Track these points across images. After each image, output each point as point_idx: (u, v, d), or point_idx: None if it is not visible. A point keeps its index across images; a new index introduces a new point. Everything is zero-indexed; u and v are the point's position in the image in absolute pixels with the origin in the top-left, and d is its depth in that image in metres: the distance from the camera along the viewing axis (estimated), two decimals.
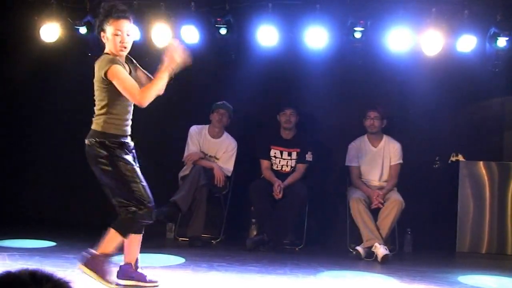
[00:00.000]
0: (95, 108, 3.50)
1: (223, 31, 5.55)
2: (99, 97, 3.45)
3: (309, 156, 5.58)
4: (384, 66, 5.79)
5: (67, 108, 6.23)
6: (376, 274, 4.52)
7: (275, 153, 5.66)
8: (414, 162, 5.75)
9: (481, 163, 5.74)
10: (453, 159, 5.76)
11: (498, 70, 5.62)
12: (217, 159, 5.66)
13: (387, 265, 4.89)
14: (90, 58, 5.81)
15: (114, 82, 3.32)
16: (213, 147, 5.68)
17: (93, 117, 3.49)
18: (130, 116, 3.52)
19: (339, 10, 5.52)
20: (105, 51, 3.45)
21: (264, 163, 5.64)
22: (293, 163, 5.63)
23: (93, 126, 3.47)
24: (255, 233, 5.54)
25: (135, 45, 5.54)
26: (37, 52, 5.79)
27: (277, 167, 5.65)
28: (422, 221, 5.55)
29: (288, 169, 5.63)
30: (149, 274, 3.67)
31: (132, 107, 3.52)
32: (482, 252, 5.67)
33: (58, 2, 5.51)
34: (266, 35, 5.56)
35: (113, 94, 3.38)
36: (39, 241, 5.00)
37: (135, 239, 3.55)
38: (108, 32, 3.40)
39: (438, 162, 5.84)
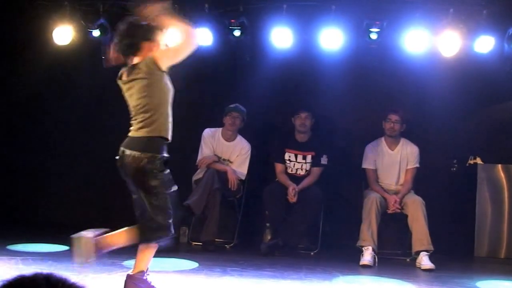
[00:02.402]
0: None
1: (237, 33, 5.52)
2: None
3: (324, 160, 5.53)
4: (400, 68, 5.73)
5: (80, 111, 6.24)
6: (392, 279, 4.47)
7: (289, 157, 5.61)
8: (431, 165, 5.69)
9: (499, 166, 5.65)
10: (471, 162, 5.68)
11: None
12: (231, 162, 5.62)
13: (403, 269, 4.85)
14: (102, 61, 5.84)
15: (168, 56, 3.23)
16: (226, 150, 5.65)
17: (137, 125, 3.34)
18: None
19: (355, 11, 5.46)
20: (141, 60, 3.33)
21: (279, 167, 5.59)
22: (307, 166, 5.58)
23: (140, 133, 3.34)
24: (269, 237, 5.50)
25: None
26: (50, 55, 5.79)
27: (291, 171, 5.60)
28: (439, 225, 5.47)
29: (302, 172, 5.58)
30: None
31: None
32: (501, 257, 5.59)
33: (71, 5, 5.51)
34: (281, 37, 5.52)
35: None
36: (51, 245, 5.00)
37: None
38: (161, 42, 3.35)
39: (456, 165, 5.75)
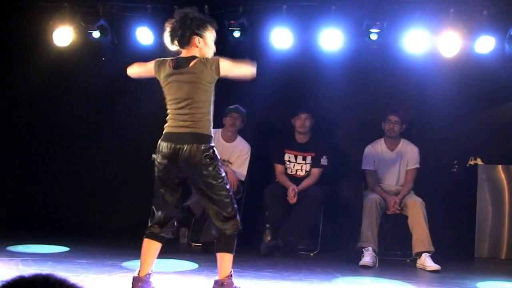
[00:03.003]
0: (194, 110, 3.30)
1: (236, 34, 5.51)
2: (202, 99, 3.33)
3: (324, 161, 5.52)
4: (400, 68, 5.72)
5: (81, 113, 6.23)
6: (392, 280, 4.45)
7: (289, 158, 5.60)
8: (431, 166, 5.68)
9: (500, 166, 5.64)
10: (472, 163, 5.67)
11: None
12: (231, 163, 5.62)
13: (404, 270, 4.85)
14: (103, 62, 5.84)
15: (230, 70, 3.34)
16: (226, 151, 5.64)
17: (191, 120, 3.29)
18: None
19: (355, 11, 5.45)
20: (195, 54, 3.34)
21: (278, 168, 5.58)
22: (307, 167, 5.57)
23: (200, 130, 3.29)
24: (269, 238, 5.48)
25: (148, 49, 5.57)
26: (50, 57, 5.78)
27: (291, 172, 5.59)
28: (440, 226, 5.45)
29: (302, 173, 5.57)
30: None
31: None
32: (502, 257, 5.58)
33: (71, 6, 5.50)
34: (281, 38, 5.51)
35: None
36: (52, 246, 4.99)
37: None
38: (209, 38, 3.39)
39: (456, 166, 5.74)
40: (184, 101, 3.29)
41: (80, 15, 5.50)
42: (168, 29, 3.36)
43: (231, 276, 3.39)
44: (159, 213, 3.35)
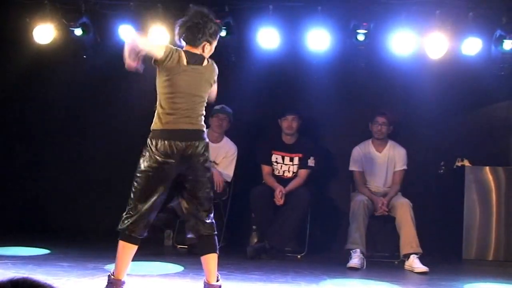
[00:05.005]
0: (200, 108, 3.30)
1: (222, 33, 5.44)
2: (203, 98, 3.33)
3: (311, 162, 5.48)
4: (387, 69, 5.72)
5: (61, 111, 6.15)
6: (380, 282, 4.43)
7: (276, 159, 5.56)
8: (419, 167, 5.68)
9: (487, 168, 5.64)
10: (459, 164, 5.67)
11: (504, 73, 5.54)
12: (217, 164, 5.56)
13: (392, 272, 4.84)
14: (85, 60, 5.76)
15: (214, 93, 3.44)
16: (212, 152, 5.50)
17: (196, 116, 3.26)
18: None
19: (342, 12, 5.44)
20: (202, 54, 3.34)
21: (265, 169, 5.54)
22: (295, 168, 5.53)
23: (203, 127, 3.31)
24: (256, 240, 5.45)
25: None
26: (30, 54, 5.68)
27: (278, 173, 5.55)
28: (427, 227, 5.45)
29: (290, 174, 5.53)
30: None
31: None
32: (489, 259, 5.58)
33: (52, 3, 5.41)
34: (267, 38, 5.48)
35: None
36: (33, 248, 4.89)
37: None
38: (214, 46, 3.40)
39: (443, 167, 5.74)
40: (193, 97, 3.24)
41: (62, 12, 5.42)
42: (184, 27, 3.28)
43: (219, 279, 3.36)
44: (142, 213, 3.23)
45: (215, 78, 3.37)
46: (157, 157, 3.18)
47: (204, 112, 3.32)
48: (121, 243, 3.23)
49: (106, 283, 3.28)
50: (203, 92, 3.29)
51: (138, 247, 3.27)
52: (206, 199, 3.30)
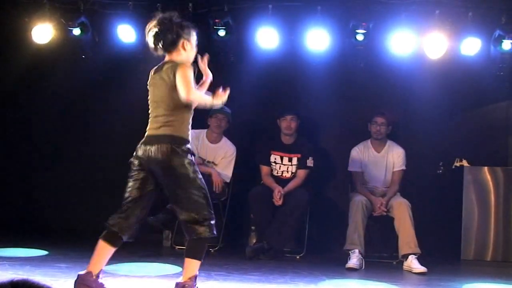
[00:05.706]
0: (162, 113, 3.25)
1: (221, 33, 5.46)
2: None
3: (310, 162, 5.48)
4: (386, 69, 5.72)
5: (59, 111, 6.14)
6: (379, 282, 4.43)
7: (275, 159, 5.55)
8: (417, 168, 5.68)
9: (485, 168, 5.64)
10: (457, 164, 5.67)
11: (503, 73, 5.56)
12: (216, 164, 5.55)
13: (390, 272, 4.84)
14: (83, 60, 5.76)
15: (178, 76, 3.16)
16: (211, 153, 5.57)
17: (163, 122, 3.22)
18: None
19: (341, 12, 5.45)
20: (176, 59, 3.25)
21: (264, 169, 5.53)
22: (293, 169, 5.52)
23: (168, 131, 3.23)
24: (254, 241, 5.44)
25: (129, 47, 5.50)
26: (29, 54, 5.69)
27: (277, 173, 5.54)
28: (426, 227, 5.45)
29: (288, 175, 5.53)
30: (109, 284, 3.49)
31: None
32: (488, 259, 5.58)
33: (50, 2, 5.41)
34: (266, 37, 5.49)
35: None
36: (30, 249, 4.88)
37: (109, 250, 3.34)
38: (193, 41, 3.36)
39: (442, 168, 5.74)
40: (156, 103, 3.27)
41: (60, 12, 5.42)
42: (152, 33, 3.25)
43: (195, 278, 3.30)
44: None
45: (170, 75, 3.18)
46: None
47: (172, 117, 3.20)
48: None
49: None
50: (164, 96, 3.21)
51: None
52: (186, 199, 3.22)
